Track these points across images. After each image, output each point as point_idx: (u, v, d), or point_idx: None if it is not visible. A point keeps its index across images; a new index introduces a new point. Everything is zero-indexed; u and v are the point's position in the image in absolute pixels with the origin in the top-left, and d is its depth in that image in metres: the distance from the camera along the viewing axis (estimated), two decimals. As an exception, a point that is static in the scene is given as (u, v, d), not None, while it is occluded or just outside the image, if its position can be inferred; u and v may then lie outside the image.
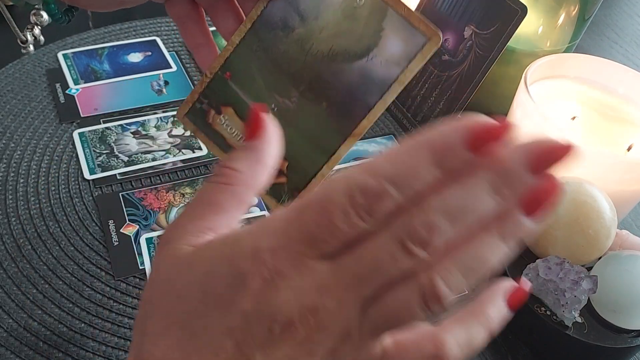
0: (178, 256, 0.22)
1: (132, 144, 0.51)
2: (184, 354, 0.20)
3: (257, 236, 0.20)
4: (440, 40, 0.28)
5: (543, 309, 0.40)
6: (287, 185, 0.32)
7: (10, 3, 0.65)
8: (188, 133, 0.53)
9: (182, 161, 0.50)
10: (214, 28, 0.38)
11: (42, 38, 0.37)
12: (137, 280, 0.42)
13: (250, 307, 0.19)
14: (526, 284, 0.23)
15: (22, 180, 0.47)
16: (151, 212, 0.46)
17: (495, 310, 0.23)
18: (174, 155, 0.51)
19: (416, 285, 0.19)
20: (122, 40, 0.62)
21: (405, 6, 0.29)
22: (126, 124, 0.53)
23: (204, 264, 0.21)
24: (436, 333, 0.21)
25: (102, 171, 0.49)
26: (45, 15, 0.36)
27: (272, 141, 0.24)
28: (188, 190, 0.48)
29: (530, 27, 0.52)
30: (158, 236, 0.44)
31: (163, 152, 0.51)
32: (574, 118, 0.51)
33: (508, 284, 0.23)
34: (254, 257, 0.19)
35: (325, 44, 0.31)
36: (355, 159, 0.53)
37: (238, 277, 0.19)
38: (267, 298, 0.19)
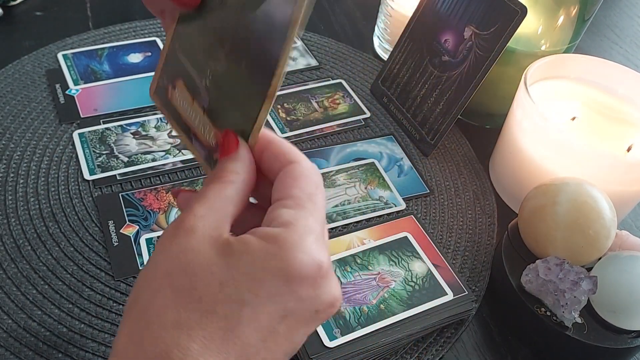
0: (217, 245, 0.24)
1: (132, 144, 0.51)
2: (226, 346, 0.22)
3: (310, 247, 0.24)
4: None
5: (543, 309, 0.40)
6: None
7: (13, 3, 0.66)
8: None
9: (182, 162, 0.50)
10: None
11: None
12: (137, 280, 0.42)
13: (305, 295, 0.23)
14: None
15: (21, 181, 0.47)
16: (151, 213, 0.46)
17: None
18: (174, 156, 0.51)
19: None
20: (122, 40, 0.62)
21: None
22: (126, 124, 0.53)
23: (253, 257, 0.23)
24: None
25: (102, 172, 0.49)
26: None
27: (246, 149, 0.27)
28: (188, 190, 0.48)
29: (530, 27, 0.52)
30: (157, 237, 0.44)
31: (163, 153, 0.51)
32: (573, 118, 0.51)
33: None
34: (314, 265, 0.24)
35: None
36: (356, 160, 0.53)
37: (296, 274, 0.23)
38: (318, 290, 0.24)
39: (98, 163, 0.49)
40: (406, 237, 0.43)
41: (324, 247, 0.25)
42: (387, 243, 0.43)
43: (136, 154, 0.50)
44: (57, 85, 0.56)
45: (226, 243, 0.24)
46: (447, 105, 0.52)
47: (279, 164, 0.27)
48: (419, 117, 0.55)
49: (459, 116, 0.52)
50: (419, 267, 0.42)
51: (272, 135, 0.27)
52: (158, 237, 0.44)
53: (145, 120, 0.53)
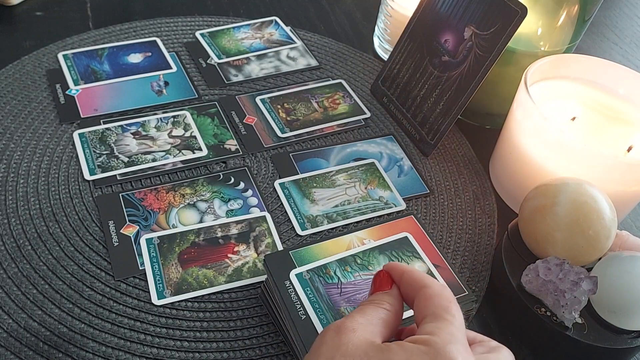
0: (373, 345, 0.28)
1: (132, 144, 0.51)
2: None
3: (458, 348, 0.27)
4: None
5: (543, 309, 0.40)
6: None
7: (12, 3, 0.66)
8: (188, 134, 0.53)
9: (182, 162, 0.50)
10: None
11: None
12: (137, 280, 0.42)
13: None
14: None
15: (22, 181, 0.47)
16: (151, 213, 0.46)
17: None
18: (174, 156, 0.51)
19: None
20: (122, 40, 0.62)
21: None
22: (126, 124, 0.53)
23: (408, 352, 0.27)
24: None
25: (102, 172, 0.49)
26: None
27: (398, 294, 0.32)
28: (188, 190, 0.48)
29: (530, 27, 0.52)
30: (158, 236, 0.44)
31: (163, 153, 0.51)
32: (574, 119, 0.51)
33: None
34: None
35: None
36: (356, 160, 0.53)
37: None
38: None
39: (98, 163, 0.49)
40: (406, 237, 0.43)
41: (469, 352, 0.28)
42: (387, 243, 0.43)
43: (136, 154, 0.50)
44: (58, 85, 0.56)
45: (382, 345, 0.28)
46: (447, 106, 0.52)
47: (413, 289, 0.31)
48: (419, 117, 0.55)
49: (459, 116, 0.52)
50: (419, 267, 0.42)
51: (406, 266, 0.32)
52: (158, 237, 0.44)
53: (145, 121, 0.53)
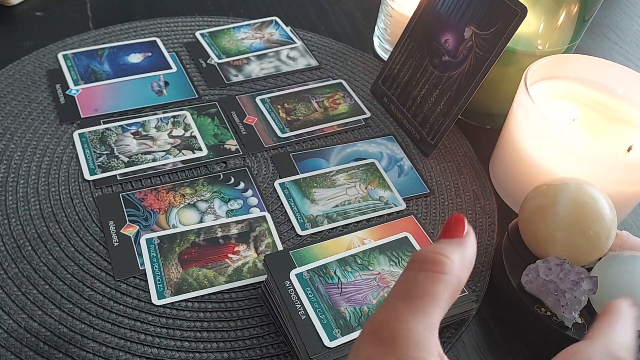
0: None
1: (132, 144, 0.51)
2: None
3: None
4: None
5: (543, 309, 0.40)
6: None
7: (12, 3, 0.66)
8: (188, 134, 0.53)
9: (182, 162, 0.50)
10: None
11: None
12: (137, 280, 0.42)
13: None
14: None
15: (22, 181, 0.47)
16: (151, 213, 0.46)
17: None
18: (174, 156, 0.51)
19: None
20: (122, 40, 0.62)
21: None
22: (126, 124, 0.53)
23: None
24: None
25: (102, 172, 0.49)
26: None
27: (474, 242, 0.25)
28: (188, 190, 0.48)
29: (530, 27, 0.52)
30: (158, 236, 0.44)
31: (163, 153, 0.51)
32: (574, 119, 0.51)
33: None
34: None
35: None
36: (356, 160, 0.53)
37: None
38: None
39: (98, 163, 0.49)
40: (406, 237, 0.43)
41: None
42: (388, 243, 0.43)
43: (136, 154, 0.50)
44: (58, 86, 0.56)
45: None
46: (447, 106, 0.52)
47: None
48: (419, 117, 0.55)
49: (459, 116, 0.52)
50: (419, 267, 0.42)
51: None
52: (159, 237, 0.44)
53: (145, 121, 0.53)
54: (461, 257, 0.24)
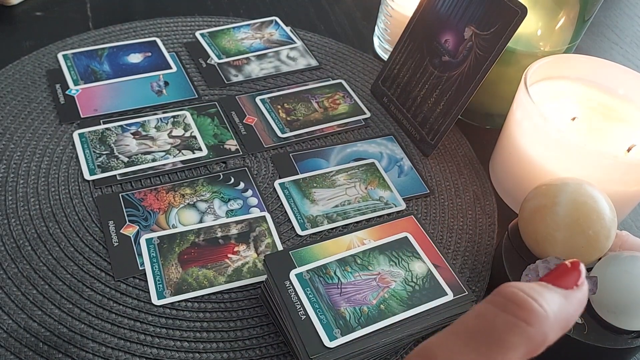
0: None
1: (132, 144, 0.51)
2: None
3: None
4: None
5: (543, 309, 0.39)
6: None
7: (12, 3, 0.66)
8: (188, 134, 0.53)
9: (182, 162, 0.50)
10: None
11: None
12: (137, 281, 0.42)
13: None
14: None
15: (22, 181, 0.47)
16: (151, 213, 0.46)
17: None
18: (174, 156, 0.51)
19: None
20: (122, 40, 0.62)
21: None
22: (126, 124, 0.53)
23: None
24: None
25: (102, 172, 0.49)
26: None
27: (581, 300, 0.21)
28: (188, 191, 0.48)
29: (530, 27, 0.52)
30: (158, 236, 0.44)
31: (163, 153, 0.51)
32: (574, 119, 0.51)
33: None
34: None
35: None
36: (356, 160, 0.53)
37: None
38: None
39: (98, 163, 0.49)
40: (406, 237, 0.43)
41: None
42: (387, 243, 0.43)
43: (136, 154, 0.50)
44: (57, 86, 0.56)
45: None
46: (447, 106, 0.52)
47: None
48: (419, 118, 0.55)
49: (459, 116, 0.52)
50: (419, 268, 0.42)
51: None
52: (158, 237, 0.44)
53: (145, 121, 0.53)
54: (558, 312, 0.20)
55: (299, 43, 0.65)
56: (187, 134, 0.53)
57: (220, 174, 0.50)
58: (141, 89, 0.57)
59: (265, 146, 0.53)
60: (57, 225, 0.44)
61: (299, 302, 0.37)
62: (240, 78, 0.60)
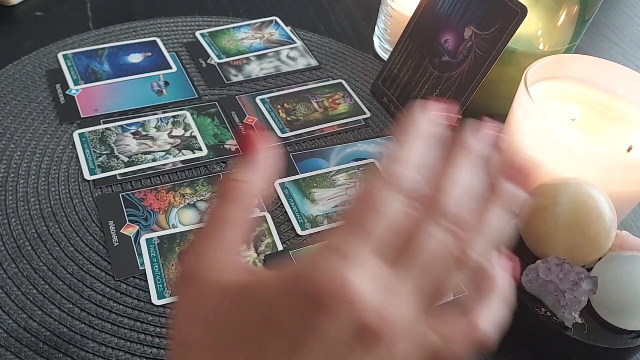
0: (225, 290, 0.22)
1: (132, 144, 0.51)
2: None
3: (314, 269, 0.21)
4: None
5: (543, 309, 0.40)
6: None
7: (12, 3, 0.66)
8: (188, 134, 0.53)
9: (182, 162, 0.50)
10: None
11: None
12: (137, 280, 0.42)
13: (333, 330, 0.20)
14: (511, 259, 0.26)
15: (22, 181, 0.47)
16: (151, 213, 0.46)
17: (506, 284, 0.25)
18: (174, 156, 0.51)
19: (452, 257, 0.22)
20: (122, 40, 0.62)
21: None
22: (126, 124, 0.53)
23: (266, 298, 0.21)
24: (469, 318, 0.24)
25: (102, 172, 0.49)
26: None
27: (265, 152, 0.25)
28: (188, 190, 0.48)
29: (530, 27, 0.52)
30: (158, 236, 0.44)
31: (163, 153, 0.51)
32: (574, 119, 0.51)
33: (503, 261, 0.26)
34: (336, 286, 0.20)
35: None
36: (356, 160, 0.53)
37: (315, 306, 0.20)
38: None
39: (98, 163, 0.49)
40: (406, 237, 0.43)
41: None
42: (387, 243, 0.43)
43: (136, 154, 0.50)
44: (58, 85, 0.56)
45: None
46: (447, 106, 0.52)
47: None
48: (419, 117, 0.55)
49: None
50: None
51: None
52: (158, 237, 0.44)
53: (145, 120, 0.53)
54: (252, 172, 0.24)
55: (299, 43, 0.65)
56: (187, 134, 0.53)
57: (221, 174, 0.50)
58: (141, 88, 0.57)
59: (265, 146, 0.53)
60: (57, 225, 0.44)
61: (299, 302, 0.37)
62: (240, 78, 0.60)
